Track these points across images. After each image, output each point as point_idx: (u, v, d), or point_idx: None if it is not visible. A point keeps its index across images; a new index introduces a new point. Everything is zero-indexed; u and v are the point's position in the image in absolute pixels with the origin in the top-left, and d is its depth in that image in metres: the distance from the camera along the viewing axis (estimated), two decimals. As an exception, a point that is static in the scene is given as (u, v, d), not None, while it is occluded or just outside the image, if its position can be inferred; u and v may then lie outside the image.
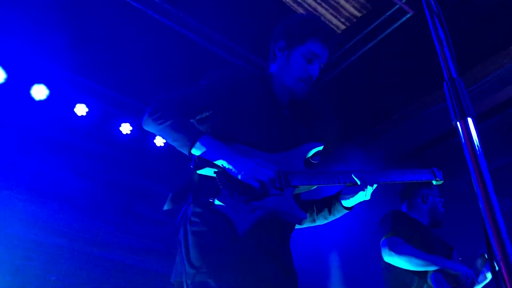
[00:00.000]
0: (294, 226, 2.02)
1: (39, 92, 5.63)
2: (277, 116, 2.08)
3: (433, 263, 3.02)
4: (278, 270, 1.76)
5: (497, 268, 0.90)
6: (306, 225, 2.14)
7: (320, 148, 2.04)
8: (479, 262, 3.18)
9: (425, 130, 5.80)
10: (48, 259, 5.41)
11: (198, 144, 1.78)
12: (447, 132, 5.56)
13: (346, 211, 2.06)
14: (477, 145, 1.01)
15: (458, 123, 1.05)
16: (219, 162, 1.78)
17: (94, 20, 5.10)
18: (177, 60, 5.45)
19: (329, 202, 2.09)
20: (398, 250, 3.06)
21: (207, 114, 1.98)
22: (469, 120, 1.04)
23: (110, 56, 5.44)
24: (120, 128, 6.24)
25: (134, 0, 4.96)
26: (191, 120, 1.96)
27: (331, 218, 2.11)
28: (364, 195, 1.95)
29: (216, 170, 1.78)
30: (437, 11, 1.21)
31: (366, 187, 1.93)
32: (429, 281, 3.01)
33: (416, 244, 3.12)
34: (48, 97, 5.70)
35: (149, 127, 1.90)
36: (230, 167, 1.75)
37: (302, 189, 1.91)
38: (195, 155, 1.82)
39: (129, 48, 5.39)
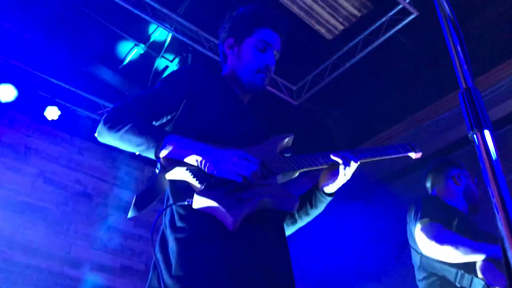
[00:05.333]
0: (284, 217, 2.06)
1: (7, 93, 5.59)
2: (242, 114, 2.10)
3: (482, 251, 2.66)
4: (268, 281, 1.69)
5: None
6: (288, 229, 2.15)
7: (291, 138, 2.07)
8: None
9: (429, 140, 5.86)
10: (13, 278, 5.34)
11: (165, 143, 1.74)
12: (457, 141, 5.60)
13: (329, 199, 2.08)
14: (495, 160, 1.03)
15: (474, 136, 1.07)
16: (192, 158, 1.73)
17: (68, 15, 5.09)
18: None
19: (309, 196, 2.11)
20: (440, 238, 2.74)
21: (169, 117, 1.97)
22: (486, 132, 1.06)
23: (85, 55, 5.43)
24: (95, 134, 6.20)
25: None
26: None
27: (315, 212, 2.12)
28: (344, 175, 1.97)
29: (187, 167, 1.74)
30: (451, 15, 1.23)
31: (349, 165, 1.95)
32: (478, 272, 2.67)
33: (457, 231, 2.82)
34: (17, 99, 5.66)
35: (104, 137, 1.86)
36: (206, 161, 1.72)
37: (283, 178, 1.92)
38: (160, 158, 1.77)
39: (107, 47, 5.40)
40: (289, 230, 2.16)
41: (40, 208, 5.82)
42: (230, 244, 1.65)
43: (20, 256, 5.47)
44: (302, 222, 2.15)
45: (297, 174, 1.98)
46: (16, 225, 5.59)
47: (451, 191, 3.23)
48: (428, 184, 3.41)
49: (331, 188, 2.05)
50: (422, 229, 2.84)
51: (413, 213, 3.02)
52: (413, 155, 2.23)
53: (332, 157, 1.97)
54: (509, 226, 0.93)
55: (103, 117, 1.88)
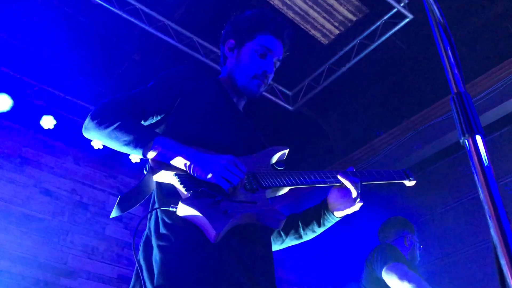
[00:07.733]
0: (271, 233, 2.00)
1: (2, 102, 5.58)
2: (236, 119, 2.06)
3: None
4: None
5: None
6: (291, 243, 2.12)
7: (286, 151, 2.03)
8: None
9: (426, 143, 5.86)
10: (9, 290, 5.32)
11: (154, 144, 1.71)
12: (454, 144, 5.61)
13: (338, 219, 2.04)
14: (487, 165, 1.03)
15: (466, 141, 1.07)
16: (180, 162, 1.70)
17: (63, 21, 5.10)
18: (160, 67, 5.46)
19: (317, 214, 2.05)
20: (409, 277, 3.12)
21: (158, 118, 1.94)
22: (478, 138, 1.06)
23: (80, 62, 5.42)
24: (92, 143, 6.20)
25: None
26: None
27: (321, 230, 2.08)
28: (356, 201, 1.94)
29: (175, 172, 1.71)
30: (442, 20, 1.23)
31: (357, 187, 1.92)
32: None
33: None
34: (12, 108, 5.65)
35: (91, 133, 1.82)
36: (194, 165, 1.69)
37: (272, 192, 1.89)
38: (148, 158, 1.74)
39: (102, 54, 5.40)
40: (291, 243, 2.13)
41: (36, 219, 5.80)
42: (213, 255, 1.62)
43: (16, 267, 5.45)
44: (307, 238, 2.11)
45: (287, 190, 1.94)
46: (12, 235, 5.57)
47: (399, 248, 3.69)
48: (381, 235, 3.92)
49: (343, 213, 2.01)
50: (392, 269, 3.26)
51: (378, 257, 3.45)
52: (407, 182, 2.21)
53: (343, 180, 1.94)
54: (501, 232, 0.93)
55: (91, 112, 1.83)
